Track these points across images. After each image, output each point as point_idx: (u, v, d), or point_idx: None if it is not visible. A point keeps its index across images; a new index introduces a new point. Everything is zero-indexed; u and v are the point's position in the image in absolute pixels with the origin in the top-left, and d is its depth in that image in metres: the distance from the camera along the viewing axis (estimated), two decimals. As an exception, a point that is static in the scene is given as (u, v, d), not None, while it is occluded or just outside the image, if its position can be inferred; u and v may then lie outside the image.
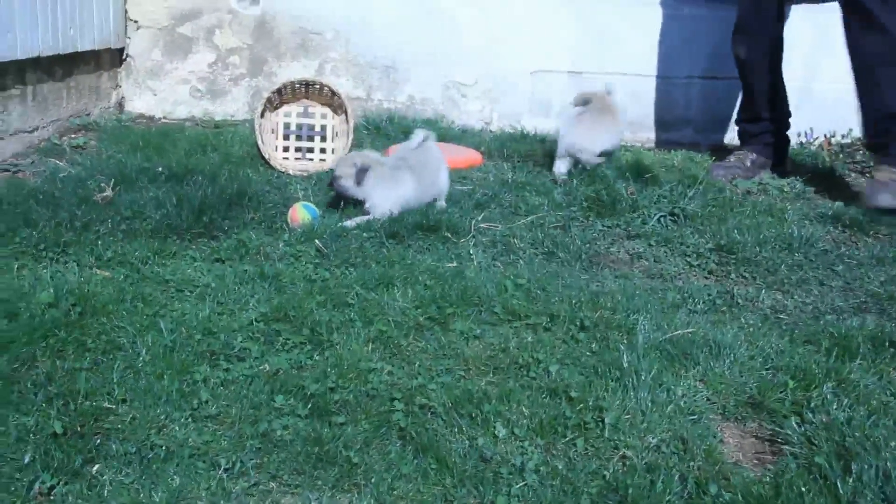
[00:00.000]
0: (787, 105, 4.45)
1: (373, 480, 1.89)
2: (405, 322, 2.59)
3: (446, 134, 4.75)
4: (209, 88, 5.10)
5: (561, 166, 4.10)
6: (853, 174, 4.52)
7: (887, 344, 2.57)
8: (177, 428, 2.01)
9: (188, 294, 2.73)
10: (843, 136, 4.95)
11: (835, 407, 2.20)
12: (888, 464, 1.91)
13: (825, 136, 4.97)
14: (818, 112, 4.93)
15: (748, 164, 4.34)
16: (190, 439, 1.98)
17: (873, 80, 3.88)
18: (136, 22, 4.99)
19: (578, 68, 5.13)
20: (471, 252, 3.15)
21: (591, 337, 2.56)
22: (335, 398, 2.18)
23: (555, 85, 5.15)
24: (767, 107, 4.39)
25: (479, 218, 3.46)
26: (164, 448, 1.93)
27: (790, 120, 4.45)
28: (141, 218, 3.22)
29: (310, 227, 3.26)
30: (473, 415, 2.14)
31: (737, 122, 4.55)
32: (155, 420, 2.03)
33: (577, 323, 2.63)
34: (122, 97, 5.10)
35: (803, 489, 1.84)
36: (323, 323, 2.54)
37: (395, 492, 1.87)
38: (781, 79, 4.34)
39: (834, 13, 4.84)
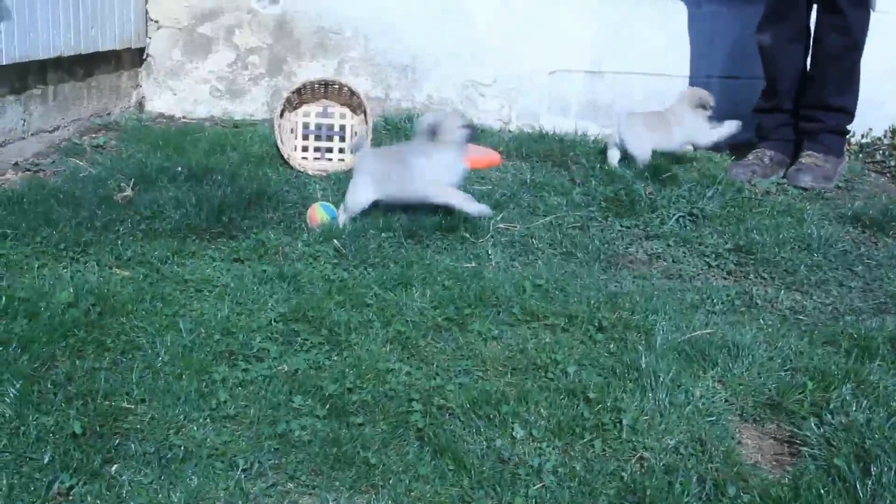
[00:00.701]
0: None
1: (390, 481, 1.90)
2: (423, 322, 2.59)
3: (465, 134, 4.74)
4: (229, 88, 5.11)
5: (612, 157, 4.21)
6: (873, 174, 4.49)
7: (907, 345, 2.56)
8: (195, 428, 2.03)
9: (207, 294, 2.74)
10: (862, 136, 4.91)
11: (854, 408, 2.19)
12: (907, 467, 1.90)
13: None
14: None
15: (766, 161, 4.34)
16: (208, 439, 1.99)
17: (825, 74, 4.21)
18: (156, 22, 5.02)
19: (597, 68, 5.11)
20: (489, 252, 3.15)
21: (609, 338, 2.56)
22: (353, 399, 2.19)
23: (573, 84, 5.13)
24: (790, 99, 4.40)
25: (498, 218, 3.45)
26: (182, 448, 1.94)
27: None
28: (160, 218, 3.24)
29: (328, 227, 3.27)
30: (491, 416, 2.14)
31: (754, 112, 4.57)
32: (173, 420, 2.04)
33: (596, 324, 2.63)
34: (143, 97, 5.12)
35: (822, 491, 1.83)
36: (341, 323, 2.55)
37: (412, 493, 1.87)
38: (807, 71, 4.36)
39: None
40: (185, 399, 2.12)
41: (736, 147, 4.57)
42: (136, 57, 5.03)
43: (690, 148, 4.39)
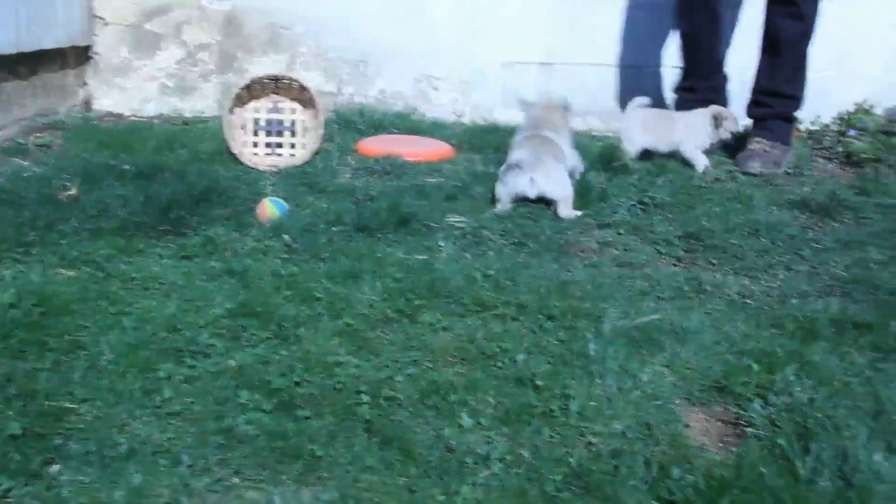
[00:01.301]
0: (724, 77, 4.64)
1: (337, 473, 1.89)
2: (373, 315, 2.58)
3: (417, 127, 4.75)
4: (178, 85, 5.07)
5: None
6: (821, 160, 4.55)
7: (850, 326, 2.59)
8: (139, 426, 2.00)
9: (154, 291, 2.71)
10: (811, 123, 4.97)
11: (798, 389, 2.21)
12: (846, 443, 1.93)
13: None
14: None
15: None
16: (152, 437, 1.97)
17: (776, 61, 4.30)
18: (102, 19, 4.96)
19: (550, 59, 5.12)
20: (440, 244, 3.15)
21: (558, 326, 2.56)
22: (301, 392, 2.17)
23: (526, 76, 5.15)
24: (706, 77, 4.56)
25: (449, 210, 3.45)
26: (125, 446, 1.91)
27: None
28: (107, 216, 3.20)
29: (279, 222, 3.25)
30: (439, 406, 2.14)
31: (674, 90, 4.71)
32: (117, 419, 2.02)
33: (545, 312, 2.63)
34: (90, 95, 5.06)
35: (763, 470, 1.85)
36: (290, 317, 2.53)
37: (359, 484, 1.86)
38: (720, 49, 4.56)
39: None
40: (129, 397, 2.09)
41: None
42: (82, 55, 4.97)
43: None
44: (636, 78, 5.01)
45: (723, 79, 4.65)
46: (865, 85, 4.92)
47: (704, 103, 4.43)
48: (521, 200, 3.61)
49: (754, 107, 4.43)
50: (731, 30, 4.95)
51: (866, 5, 4.94)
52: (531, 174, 3.52)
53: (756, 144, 4.31)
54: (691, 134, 4.17)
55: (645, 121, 4.21)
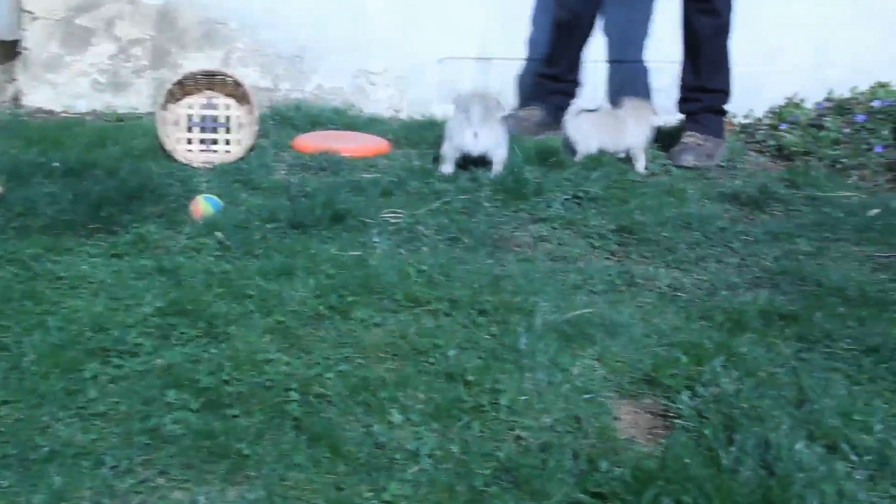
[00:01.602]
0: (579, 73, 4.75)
1: (264, 471, 1.87)
2: (304, 312, 2.57)
3: (354, 122, 4.72)
4: (111, 81, 4.97)
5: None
6: (753, 153, 4.62)
7: (777, 317, 2.64)
8: (62, 427, 1.97)
9: (82, 291, 2.67)
10: (744, 117, 5.04)
11: (725, 380, 2.24)
12: (769, 433, 1.96)
13: (727, 116, 5.05)
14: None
15: (535, 120, 4.60)
16: (75, 438, 1.94)
17: (699, 57, 4.35)
18: (31, 13, 4.84)
19: (486, 54, 5.13)
20: (375, 240, 3.14)
21: (490, 321, 2.57)
22: (229, 391, 2.16)
23: (463, 71, 5.14)
24: (570, 70, 4.67)
25: (385, 206, 3.44)
26: (46, 449, 1.88)
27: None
28: (34, 214, 3.14)
29: (212, 220, 3.21)
30: (369, 402, 2.14)
31: (535, 75, 4.78)
32: (38, 420, 1.98)
33: (478, 307, 2.64)
34: (19, 91, 4.94)
35: (687, 461, 1.88)
36: (220, 315, 2.51)
37: (286, 482, 1.85)
38: (588, 39, 4.65)
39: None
40: (52, 398, 2.06)
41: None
42: (9, 50, 4.86)
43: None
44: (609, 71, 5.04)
45: (580, 75, 4.76)
46: (796, 79, 5.02)
47: (568, 95, 4.56)
48: (463, 165, 3.85)
49: (683, 102, 4.49)
50: (648, 23, 5.02)
51: (795, 2, 5.02)
52: (477, 129, 3.74)
53: (689, 138, 4.36)
54: (641, 133, 4.19)
55: (596, 123, 4.19)
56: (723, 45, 4.36)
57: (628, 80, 5.06)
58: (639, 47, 5.10)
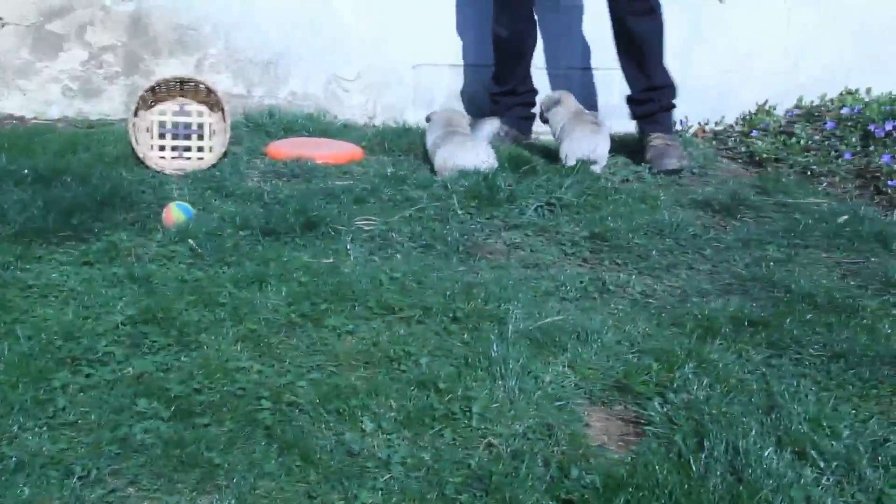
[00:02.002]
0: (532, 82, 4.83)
1: (234, 480, 1.86)
2: (277, 320, 2.56)
3: (328, 129, 4.71)
4: (83, 87, 4.94)
5: None
6: (725, 160, 4.66)
7: (747, 323, 2.66)
8: (30, 437, 1.95)
9: (52, 299, 2.65)
10: (716, 124, 5.09)
11: (695, 386, 2.26)
12: (738, 439, 1.98)
13: (699, 123, 5.10)
14: (692, 101, 5.03)
15: (503, 135, 4.64)
16: (44, 448, 1.92)
17: (643, 58, 4.38)
18: (1, 19, 4.81)
19: (461, 61, 5.14)
20: (348, 247, 3.14)
21: (463, 328, 2.58)
22: (200, 399, 2.15)
23: (439, 78, 5.16)
24: (523, 82, 4.75)
25: (358, 213, 3.44)
26: (13, 459, 1.86)
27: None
28: (3, 222, 3.11)
29: (185, 227, 3.20)
30: (341, 410, 2.13)
31: (491, 96, 4.83)
32: (6, 430, 1.96)
33: (450, 315, 2.64)
34: (-10, 98, 4.92)
35: (657, 467, 1.89)
36: (192, 323, 2.50)
37: (257, 491, 1.85)
38: (531, 54, 4.73)
39: (707, 6, 5.02)
40: (20, 408, 2.04)
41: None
42: (-21, 56, 4.83)
43: None
44: (550, 80, 5.05)
45: (534, 90, 4.84)
46: (767, 86, 5.07)
47: (527, 105, 4.72)
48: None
49: (639, 106, 4.50)
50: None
51: (766, 9, 5.08)
52: (478, 150, 3.99)
53: (657, 140, 4.38)
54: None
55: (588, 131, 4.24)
56: (661, 42, 4.39)
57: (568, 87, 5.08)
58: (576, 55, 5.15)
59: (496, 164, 4.02)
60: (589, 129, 4.21)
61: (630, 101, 4.54)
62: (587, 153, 4.15)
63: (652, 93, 4.44)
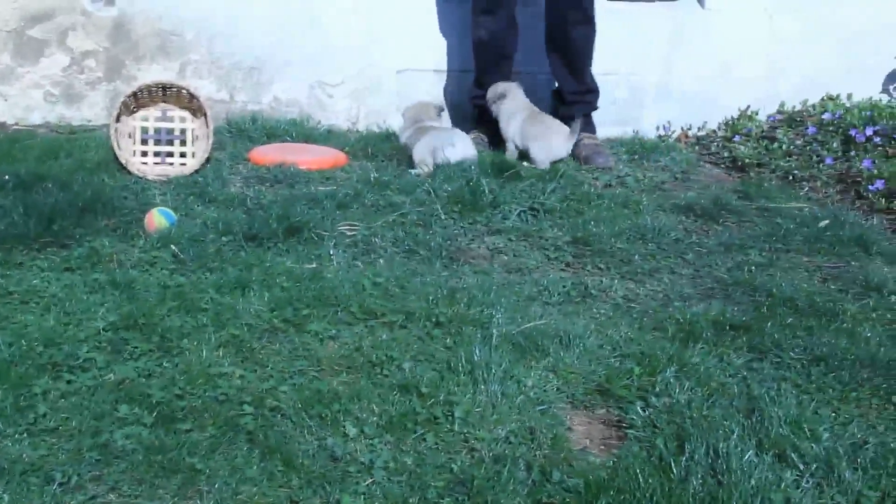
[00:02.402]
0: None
1: (216, 486, 1.86)
2: (259, 325, 2.56)
3: (311, 134, 4.71)
4: (64, 93, 4.92)
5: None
6: (708, 165, 4.68)
7: (728, 327, 2.67)
8: (10, 444, 1.95)
9: (33, 305, 2.64)
10: (699, 129, 5.11)
11: (677, 390, 2.27)
12: (719, 442, 1.99)
13: (682, 128, 5.12)
14: (675, 106, 5.08)
15: (482, 142, 4.68)
16: (24, 455, 1.91)
17: (579, 63, 4.55)
18: (-18, 24, 4.80)
19: (444, 67, 5.15)
20: (331, 253, 3.14)
21: (445, 333, 2.58)
22: (182, 405, 2.14)
23: (422, 84, 5.15)
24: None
25: (341, 218, 3.44)
26: (-7, 466, 1.86)
27: None
28: (-17, 228, 3.10)
29: (167, 233, 3.19)
30: (323, 415, 2.13)
31: (471, 99, 4.84)
32: (-14, 437, 1.96)
33: (433, 319, 2.65)
34: (-29, 103, 4.89)
35: (638, 470, 1.90)
36: (174, 329, 2.50)
37: (239, 496, 1.85)
38: (513, 58, 4.73)
39: (690, 14, 5.04)
40: (0, 414, 2.03)
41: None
42: (-40, 62, 4.80)
43: None
44: (531, 84, 5.06)
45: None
46: (749, 92, 5.09)
47: None
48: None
49: (573, 106, 4.60)
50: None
51: (748, 16, 5.10)
52: (455, 141, 4.16)
53: (589, 140, 4.55)
54: None
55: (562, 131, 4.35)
56: (592, 48, 4.55)
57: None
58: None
59: (476, 154, 4.18)
60: (555, 129, 4.38)
61: (560, 101, 4.68)
62: (558, 155, 4.34)
63: (586, 94, 4.61)
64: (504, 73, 4.70)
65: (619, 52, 4.96)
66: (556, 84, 4.72)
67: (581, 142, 4.49)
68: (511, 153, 4.42)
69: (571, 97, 4.60)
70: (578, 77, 4.58)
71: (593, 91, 4.63)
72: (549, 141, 4.34)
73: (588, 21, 4.46)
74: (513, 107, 4.44)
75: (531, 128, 4.36)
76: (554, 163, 4.30)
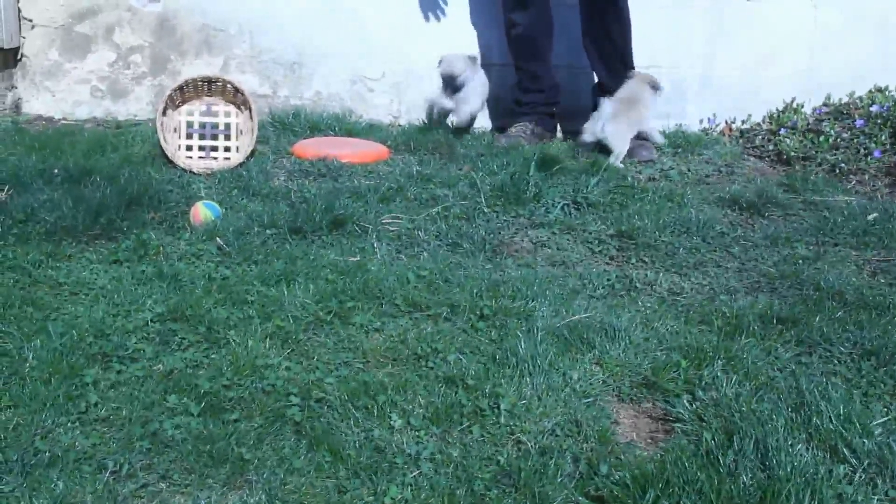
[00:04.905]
0: (555, 77, 4.84)
1: (264, 476, 1.88)
2: (304, 317, 2.57)
3: (353, 129, 4.72)
4: (111, 88, 4.99)
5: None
6: (752, 158, 4.62)
7: (775, 321, 2.64)
8: (62, 432, 1.98)
9: (83, 297, 2.68)
10: (742, 122, 5.05)
11: (724, 384, 2.25)
12: (768, 436, 1.96)
13: (726, 122, 5.07)
14: (718, 99, 5.03)
15: (528, 133, 4.67)
16: (76, 443, 1.94)
17: (616, 55, 4.53)
18: (30, 21, 4.86)
19: (485, 60, 5.13)
20: (374, 246, 3.15)
21: (490, 325, 2.58)
22: (229, 395, 2.16)
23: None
24: (543, 80, 4.76)
25: (384, 212, 3.45)
26: (47, 453, 1.89)
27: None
28: (34, 220, 3.14)
29: (212, 226, 3.22)
30: (369, 406, 2.14)
31: (519, 102, 4.84)
32: (40, 425, 1.99)
33: (478, 312, 2.65)
34: (19, 98, 4.96)
35: (687, 464, 1.88)
36: (220, 321, 2.52)
37: (287, 486, 1.86)
38: (551, 50, 4.75)
39: (730, 6, 4.98)
40: (52, 404, 2.06)
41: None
42: (9, 58, 4.88)
43: None
44: (571, 78, 5.03)
45: (557, 84, 4.86)
46: (794, 84, 5.02)
47: (551, 104, 4.81)
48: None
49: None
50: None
51: (791, 7, 5.04)
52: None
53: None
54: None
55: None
56: (629, 39, 4.54)
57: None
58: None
59: None
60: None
61: (601, 94, 4.60)
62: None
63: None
64: (541, 64, 4.71)
65: (661, 45, 4.92)
66: (596, 78, 4.69)
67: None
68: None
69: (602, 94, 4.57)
70: (616, 70, 4.53)
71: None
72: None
73: (620, 13, 4.45)
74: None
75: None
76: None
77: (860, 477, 1.91)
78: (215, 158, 4.13)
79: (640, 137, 4.45)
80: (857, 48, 5.03)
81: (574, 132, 4.61)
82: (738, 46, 5.00)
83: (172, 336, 2.44)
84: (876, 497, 1.86)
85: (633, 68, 4.56)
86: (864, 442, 2.00)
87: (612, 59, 4.55)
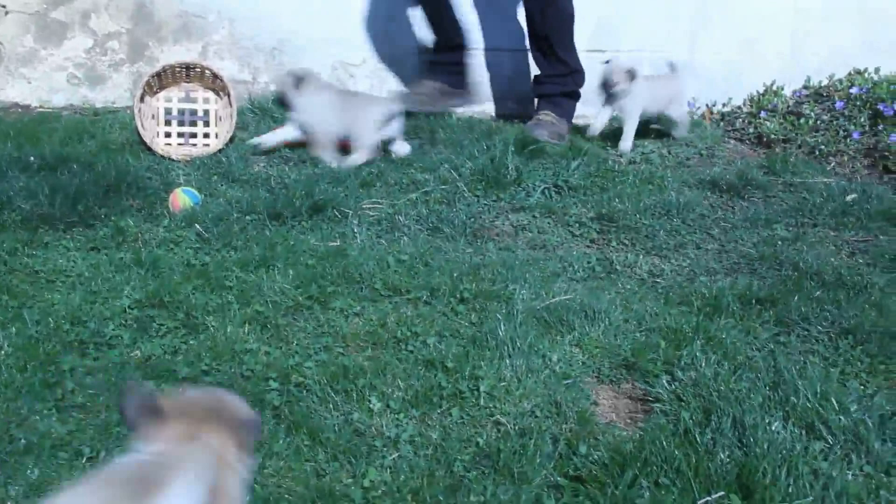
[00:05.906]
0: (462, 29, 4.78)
1: (243, 460, 1.87)
2: (284, 302, 2.57)
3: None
4: (88, 75, 4.94)
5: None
6: (733, 141, 4.63)
7: (754, 301, 2.65)
8: (38, 420, 1.97)
9: (59, 284, 2.66)
10: (723, 105, 5.06)
11: (703, 364, 2.26)
12: (746, 414, 1.97)
13: (707, 105, 5.07)
14: (700, 83, 5.02)
15: (433, 90, 4.68)
16: (52, 430, 1.93)
17: (546, 46, 4.49)
18: (3, 7, 4.81)
19: (467, 45, 5.12)
20: (355, 231, 3.14)
21: (470, 309, 2.58)
22: (208, 381, 2.16)
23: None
24: (458, 33, 4.72)
25: (364, 197, 3.44)
26: (23, 441, 1.88)
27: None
28: (10, 209, 3.12)
29: (191, 212, 3.21)
30: (349, 390, 2.14)
31: (433, 53, 4.80)
32: (15, 413, 1.98)
33: (458, 295, 2.64)
34: (-5, 86, 4.92)
35: (664, 443, 1.89)
36: (199, 307, 2.51)
37: (265, 470, 1.86)
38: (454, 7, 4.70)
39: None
40: (28, 391, 2.06)
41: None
42: (-15, 45, 4.83)
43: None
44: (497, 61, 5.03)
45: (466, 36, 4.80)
46: (774, 67, 5.03)
47: (463, 63, 4.73)
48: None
49: (540, 85, 4.61)
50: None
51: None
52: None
53: (544, 116, 4.49)
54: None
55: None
56: (567, 31, 4.50)
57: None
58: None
59: None
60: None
61: (537, 81, 4.64)
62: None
63: (559, 78, 4.56)
64: (451, 14, 4.67)
65: (645, 30, 4.92)
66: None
67: (538, 116, 4.48)
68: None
69: (543, 79, 4.59)
70: (551, 59, 4.53)
71: (570, 73, 4.56)
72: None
73: (556, 4, 4.41)
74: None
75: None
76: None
77: (836, 453, 1.92)
78: (194, 145, 4.10)
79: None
80: (838, 32, 5.04)
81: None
82: (720, 31, 5.01)
83: (150, 322, 2.43)
84: (850, 472, 1.87)
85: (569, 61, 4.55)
86: (840, 419, 2.01)
87: (546, 50, 4.53)
